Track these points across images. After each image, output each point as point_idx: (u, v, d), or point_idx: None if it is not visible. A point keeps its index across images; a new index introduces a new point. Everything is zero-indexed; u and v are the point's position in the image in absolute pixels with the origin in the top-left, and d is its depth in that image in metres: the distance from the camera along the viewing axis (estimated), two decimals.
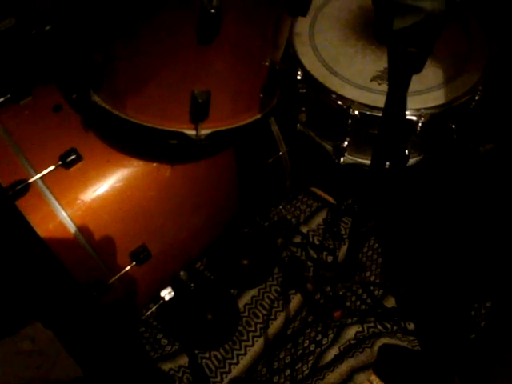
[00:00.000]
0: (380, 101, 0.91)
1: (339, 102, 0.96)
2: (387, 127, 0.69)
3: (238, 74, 0.78)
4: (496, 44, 1.07)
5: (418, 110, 0.96)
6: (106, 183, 0.93)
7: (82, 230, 0.90)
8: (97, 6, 0.75)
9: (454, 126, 1.07)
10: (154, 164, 0.96)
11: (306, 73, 0.99)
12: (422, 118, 0.96)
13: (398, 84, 0.62)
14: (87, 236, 0.90)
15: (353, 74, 0.99)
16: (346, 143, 1.00)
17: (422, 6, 0.49)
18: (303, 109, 1.03)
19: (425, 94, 0.98)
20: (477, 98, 1.03)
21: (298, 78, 0.98)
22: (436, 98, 0.99)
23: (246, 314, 1.28)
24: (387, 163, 0.75)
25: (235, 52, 0.75)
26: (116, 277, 0.92)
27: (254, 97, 0.85)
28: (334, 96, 0.97)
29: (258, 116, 0.86)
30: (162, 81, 0.77)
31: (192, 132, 0.81)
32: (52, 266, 0.89)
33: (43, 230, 0.87)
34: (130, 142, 0.92)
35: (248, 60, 0.79)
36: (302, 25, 1.08)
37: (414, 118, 0.96)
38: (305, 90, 0.99)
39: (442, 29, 0.56)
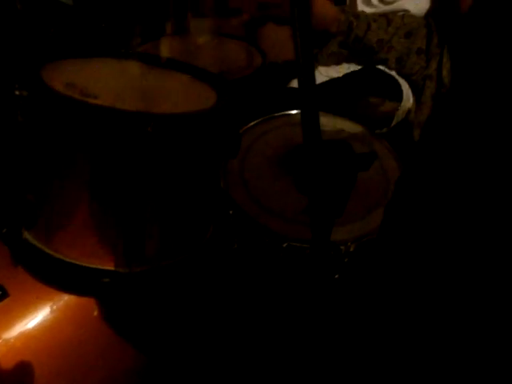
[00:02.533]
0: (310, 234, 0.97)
1: (270, 236, 1.01)
2: (315, 258, 0.74)
3: (169, 214, 0.82)
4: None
5: (343, 240, 1.02)
6: (34, 320, 0.90)
7: (2, 372, 0.84)
8: (30, 150, 0.79)
9: None
10: (86, 300, 0.94)
11: (236, 208, 1.05)
12: (350, 248, 1.02)
13: (320, 227, 0.68)
14: (8, 378, 0.84)
15: (282, 207, 1.06)
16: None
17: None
18: (235, 239, 1.07)
19: (350, 225, 1.05)
20: None
21: (230, 212, 1.03)
22: (360, 228, 1.06)
23: None
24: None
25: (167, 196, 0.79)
26: None
27: (187, 234, 0.88)
28: (264, 230, 1.02)
29: (192, 253, 0.89)
30: (94, 221, 0.79)
31: (125, 270, 0.82)
32: None
33: None
34: (61, 278, 0.91)
35: (180, 202, 0.83)
36: (233, 161, 1.15)
37: (342, 248, 1.02)
38: (235, 224, 1.04)
39: (355, 180, 0.63)
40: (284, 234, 1.00)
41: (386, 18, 1.50)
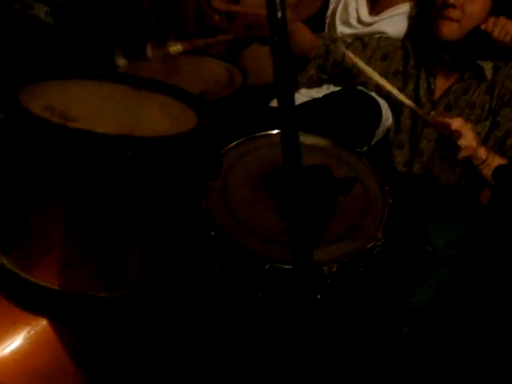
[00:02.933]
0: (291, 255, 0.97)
1: (252, 258, 1.00)
2: (297, 280, 0.74)
3: (150, 238, 0.81)
4: (389, 195, 1.20)
5: (326, 261, 1.02)
6: (11, 346, 0.88)
7: None
8: (8, 174, 0.78)
9: (362, 269, 1.14)
10: (64, 324, 0.93)
11: (218, 229, 1.05)
12: (332, 268, 1.03)
13: (301, 251, 0.68)
14: None
15: (264, 228, 1.05)
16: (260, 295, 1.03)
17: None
18: (217, 260, 1.06)
19: (332, 246, 1.05)
20: (378, 244, 1.12)
21: (211, 233, 1.03)
22: (343, 248, 1.06)
23: None
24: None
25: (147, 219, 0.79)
26: None
27: (168, 257, 0.87)
28: (246, 252, 1.01)
29: (174, 275, 0.88)
30: (73, 245, 0.78)
31: (105, 294, 0.80)
32: None
33: None
34: (39, 303, 0.89)
35: (161, 225, 0.82)
36: (214, 182, 1.15)
37: (324, 268, 1.02)
38: (217, 245, 1.04)
39: (336, 205, 0.64)
40: (266, 255, 1.00)
41: (362, 41, 1.53)
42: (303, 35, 1.48)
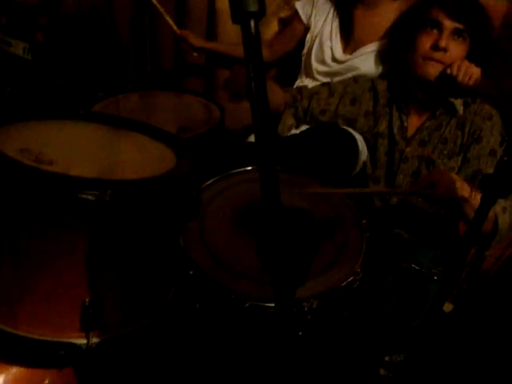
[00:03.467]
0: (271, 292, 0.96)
1: (231, 296, 1.00)
2: (278, 316, 0.73)
3: (129, 282, 0.80)
4: (366, 229, 1.21)
5: (306, 297, 1.02)
6: None
7: None
8: None
9: (342, 303, 1.14)
10: (34, 370, 0.89)
11: (196, 268, 1.04)
12: (313, 304, 1.02)
13: (282, 293, 0.68)
14: None
15: (243, 266, 1.05)
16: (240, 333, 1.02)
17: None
18: (197, 299, 1.05)
19: (311, 282, 1.05)
20: (357, 278, 1.13)
21: (190, 272, 1.02)
22: (322, 284, 1.06)
23: None
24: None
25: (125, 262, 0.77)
26: None
27: (146, 300, 0.86)
28: (225, 290, 1.01)
29: (152, 317, 0.86)
30: (48, 292, 0.76)
31: (82, 341, 0.78)
32: None
33: None
34: (12, 352, 0.86)
35: (139, 268, 0.81)
36: None
37: (305, 304, 1.02)
38: (196, 284, 1.03)
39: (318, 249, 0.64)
40: (246, 293, 0.99)
41: (329, 87, 1.57)
42: (275, 94, 1.51)
